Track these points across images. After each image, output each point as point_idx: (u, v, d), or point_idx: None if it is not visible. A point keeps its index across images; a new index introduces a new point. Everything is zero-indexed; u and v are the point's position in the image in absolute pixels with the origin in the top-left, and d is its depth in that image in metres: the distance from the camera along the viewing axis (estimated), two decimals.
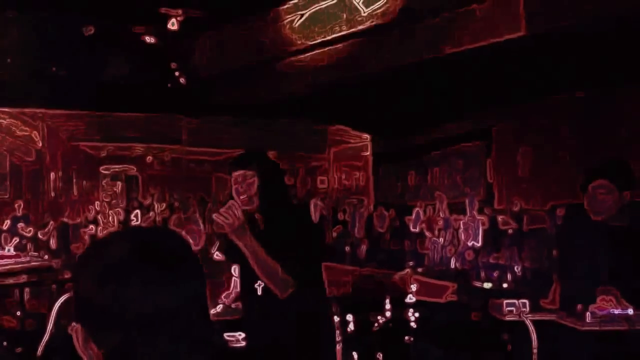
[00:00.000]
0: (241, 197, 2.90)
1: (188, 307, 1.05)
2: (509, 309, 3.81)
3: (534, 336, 3.66)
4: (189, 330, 1.05)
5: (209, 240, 9.96)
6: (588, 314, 3.25)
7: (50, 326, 3.48)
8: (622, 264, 3.26)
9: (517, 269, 7.54)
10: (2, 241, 10.07)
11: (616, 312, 3.23)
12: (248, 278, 2.98)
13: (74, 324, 1.05)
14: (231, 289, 4.41)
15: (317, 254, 3.13)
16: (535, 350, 3.67)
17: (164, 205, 12.10)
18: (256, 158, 3.05)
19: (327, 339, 3.16)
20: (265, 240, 2.83)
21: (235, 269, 3.69)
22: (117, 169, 12.39)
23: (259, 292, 2.93)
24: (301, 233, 2.93)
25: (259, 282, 2.90)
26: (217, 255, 4.09)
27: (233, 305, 4.29)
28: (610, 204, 3.28)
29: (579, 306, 3.32)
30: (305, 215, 3.24)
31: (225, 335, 3.81)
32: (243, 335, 3.64)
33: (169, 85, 10.10)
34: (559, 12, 5.90)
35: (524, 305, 3.79)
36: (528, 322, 3.68)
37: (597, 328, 3.23)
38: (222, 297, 4.41)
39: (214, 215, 2.84)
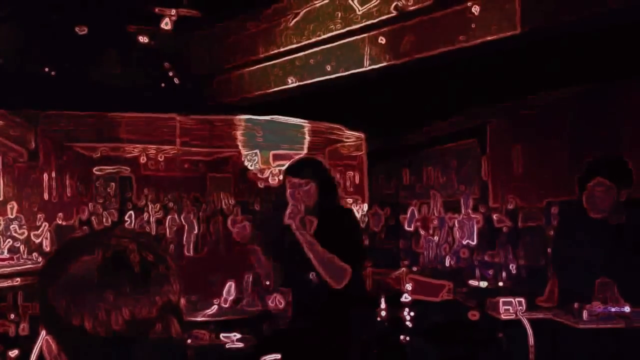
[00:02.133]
0: (299, 201, 3.24)
1: (163, 316, 1.00)
2: (505, 307, 3.81)
3: (530, 335, 3.66)
4: (165, 340, 1.00)
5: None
6: (585, 312, 3.25)
7: (44, 330, 3.45)
8: (619, 261, 3.26)
9: (513, 267, 7.54)
10: None
11: (613, 309, 3.23)
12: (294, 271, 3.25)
13: (43, 333, 1.01)
14: (225, 294, 4.40)
15: (364, 253, 3.55)
16: (531, 349, 3.66)
17: (158, 206, 12.06)
18: (314, 166, 3.41)
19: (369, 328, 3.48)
20: (321, 238, 3.16)
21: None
22: (110, 170, 12.34)
23: (311, 283, 3.22)
24: (350, 235, 3.25)
25: (312, 273, 3.15)
26: None
27: (227, 306, 4.27)
28: (609, 202, 3.29)
29: (576, 304, 3.32)
30: (354, 218, 3.53)
31: (221, 336, 3.79)
32: (239, 336, 3.63)
33: (162, 85, 10.07)
34: (555, 8, 5.89)
35: (520, 303, 3.79)
36: (525, 321, 3.68)
37: (594, 326, 3.23)
38: (217, 299, 4.39)
39: (287, 212, 3.16)
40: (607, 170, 3.34)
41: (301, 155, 4.07)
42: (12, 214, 10.38)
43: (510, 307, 3.73)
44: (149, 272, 0.99)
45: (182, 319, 1.04)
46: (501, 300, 3.81)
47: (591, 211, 3.28)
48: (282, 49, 8.56)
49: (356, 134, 13.11)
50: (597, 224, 3.29)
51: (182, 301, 1.04)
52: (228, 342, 3.67)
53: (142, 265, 0.99)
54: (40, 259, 8.07)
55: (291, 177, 3.26)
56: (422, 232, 10.14)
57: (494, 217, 9.21)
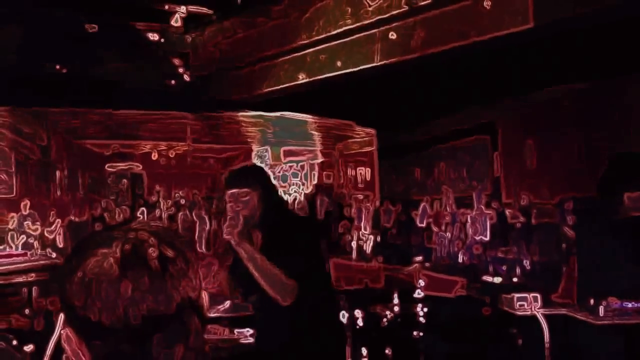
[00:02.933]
0: (239, 213, 2.92)
1: (182, 312, 0.99)
2: (520, 303, 3.80)
3: (546, 330, 3.64)
4: (185, 335, 0.99)
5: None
6: (601, 307, 3.22)
7: (59, 324, 3.47)
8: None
9: (526, 263, 7.50)
10: (9, 240, 10.08)
11: (630, 305, 3.20)
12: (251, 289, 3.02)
13: (64, 328, 1.00)
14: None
15: (319, 260, 3.11)
16: (547, 345, 3.64)
17: (170, 202, 12.10)
18: (253, 175, 3.08)
19: (336, 343, 3.17)
20: (267, 253, 2.87)
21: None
22: (122, 167, 12.39)
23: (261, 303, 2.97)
24: (297, 247, 2.93)
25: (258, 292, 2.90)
26: None
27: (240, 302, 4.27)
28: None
29: (592, 300, 3.29)
30: (304, 229, 3.20)
31: (235, 331, 3.80)
32: (251, 331, 3.63)
33: (173, 82, 10.09)
34: (567, 2, 5.85)
35: (536, 299, 3.77)
36: (540, 317, 3.66)
37: (610, 322, 3.20)
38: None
39: (224, 227, 2.91)
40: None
41: (240, 165, 3.69)
42: (25, 211, 10.45)
43: (525, 303, 3.72)
44: (167, 267, 0.98)
45: (203, 315, 1.03)
46: (516, 296, 3.80)
47: (616, 209, 3.21)
48: (292, 45, 8.55)
49: (367, 130, 13.11)
50: (619, 219, 3.23)
51: (204, 296, 1.03)
52: (242, 337, 3.68)
53: (160, 260, 0.97)
54: (53, 255, 8.12)
55: (229, 188, 3.02)
56: (434, 228, 10.11)
57: (507, 213, 9.17)
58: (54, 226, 10.47)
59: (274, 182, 3.28)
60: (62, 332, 1.01)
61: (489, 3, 6.38)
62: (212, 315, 4.02)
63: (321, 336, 2.94)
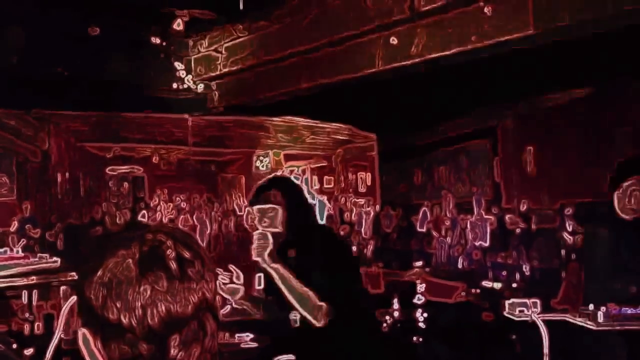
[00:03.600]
0: (266, 230, 2.80)
1: (198, 313, 1.00)
2: (519, 308, 3.79)
3: (545, 336, 3.64)
4: (201, 337, 1.00)
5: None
6: (601, 313, 3.22)
7: (59, 328, 3.47)
8: None
9: (526, 268, 7.51)
10: (10, 242, 10.08)
11: (629, 311, 3.21)
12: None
13: (81, 329, 1.01)
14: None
15: (355, 274, 2.97)
16: (546, 351, 3.64)
17: (171, 206, 12.10)
18: (277, 188, 2.92)
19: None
20: (298, 269, 2.74)
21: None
22: (123, 170, 12.39)
23: (295, 324, 2.82)
24: (334, 257, 2.82)
25: (294, 313, 2.78)
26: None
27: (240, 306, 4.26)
28: None
29: (591, 306, 3.29)
30: (333, 236, 3.13)
31: (236, 335, 3.80)
32: (251, 336, 3.63)
33: (175, 86, 10.10)
34: (568, 9, 5.87)
35: (535, 305, 3.77)
36: (540, 323, 3.66)
37: (610, 328, 3.20)
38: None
39: (252, 249, 2.77)
40: None
41: (266, 178, 3.31)
42: (26, 214, 10.45)
43: (525, 309, 3.71)
44: (185, 269, 0.99)
45: (218, 317, 1.04)
46: (516, 301, 3.79)
47: (623, 211, 3.18)
48: (294, 50, 8.57)
49: (367, 134, 13.12)
50: (629, 225, 3.20)
51: (218, 298, 1.04)
52: (242, 342, 3.68)
53: (178, 262, 0.99)
54: (54, 258, 8.11)
55: (254, 204, 2.87)
56: (434, 233, 10.11)
57: (507, 218, 9.18)
58: (54, 229, 10.48)
59: (303, 193, 3.10)
60: (79, 332, 1.02)
61: (490, 9, 6.41)
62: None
63: (358, 354, 2.81)
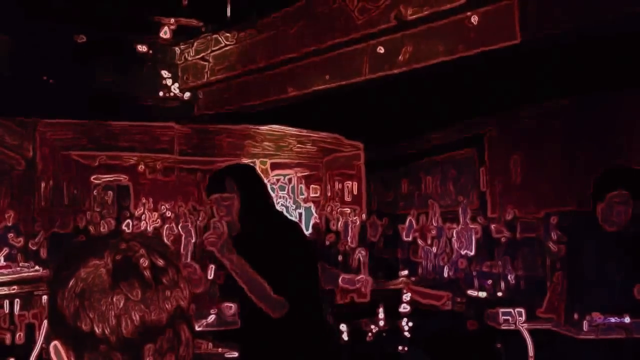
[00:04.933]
0: (223, 219, 2.71)
1: (173, 322, 0.99)
2: (504, 317, 3.79)
3: (530, 345, 3.64)
4: (176, 346, 0.99)
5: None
6: (585, 322, 3.22)
7: (41, 338, 3.43)
8: (633, 273, 3.20)
9: (511, 277, 7.53)
10: None
11: (613, 320, 3.21)
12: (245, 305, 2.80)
13: (53, 341, 0.99)
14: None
15: (311, 268, 2.89)
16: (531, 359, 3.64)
17: (156, 215, 12.03)
18: (233, 176, 2.82)
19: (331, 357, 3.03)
20: (255, 260, 2.66)
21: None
22: (108, 179, 12.31)
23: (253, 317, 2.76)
24: (291, 249, 2.75)
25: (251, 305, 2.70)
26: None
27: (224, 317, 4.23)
28: (627, 215, 3.19)
29: (576, 315, 3.29)
30: (295, 228, 2.97)
31: (219, 345, 3.76)
32: (235, 346, 3.59)
33: (161, 94, 10.07)
34: (554, 18, 5.91)
35: (520, 314, 3.77)
36: (524, 332, 3.66)
37: (594, 337, 3.20)
38: (214, 309, 4.35)
39: (204, 238, 2.69)
40: (627, 181, 3.20)
41: (222, 165, 3.15)
42: (9, 222, 10.34)
43: (510, 318, 3.71)
44: (159, 277, 0.97)
45: (192, 325, 1.02)
46: (500, 310, 3.79)
47: (607, 223, 3.16)
48: (281, 58, 8.57)
49: (354, 143, 13.14)
50: (611, 237, 3.19)
51: (192, 307, 1.03)
52: (227, 352, 3.65)
53: (152, 270, 0.97)
54: (37, 267, 8.04)
55: (210, 192, 2.77)
56: (420, 242, 10.11)
57: (493, 227, 9.20)
58: (37, 238, 10.37)
59: (261, 180, 2.97)
60: (51, 344, 1.00)
61: (476, 19, 6.44)
62: (197, 329, 3.98)
63: (312, 352, 2.77)
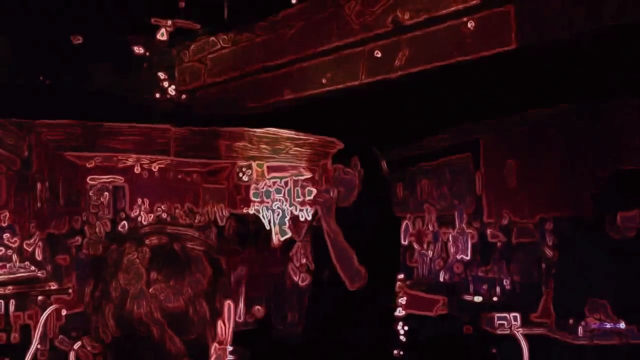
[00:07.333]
0: (337, 188, 2.87)
1: (195, 309, 1.01)
2: (500, 322, 3.81)
3: (525, 350, 3.65)
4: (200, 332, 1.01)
5: None
6: (580, 328, 3.24)
7: (36, 338, 3.43)
8: (625, 277, 3.20)
9: (506, 282, 7.54)
10: None
11: (608, 326, 3.22)
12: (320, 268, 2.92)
13: (82, 339, 1.02)
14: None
15: (397, 256, 3.05)
16: None
17: (152, 216, 12.02)
18: (357, 153, 3.02)
19: (388, 342, 3.11)
20: (350, 232, 2.78)
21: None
22: (104, 180, 12.30)
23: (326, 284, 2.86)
24: (387, 234, 2.89)
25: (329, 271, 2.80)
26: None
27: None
28: (637, 224, 3.18)
29: (571, 320, 3.30)
30: (396, 219, 3.14)
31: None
32: (230, 348, 3.59)
33: (157, 95, 10.07)
34: (550, 25, 5.94)
35: (515, 318, 3.79)
36: (519, 336, 3.67)
37: (588, 342, 3.22)
38: None
39: (314, 195, 2.87)
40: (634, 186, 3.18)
41: (351, 139, 3.43)
42: (4, 223, 10.31)
43: (505, 322, 3.73)
44: (189, 264, 1.01)
45: (217, 310, 1.07)
46: (496, 315, 3.81)
47: (613, 231, 3.15)
48: (278, 62, 8.58)
49: None
50: (608, 243, 3.18)
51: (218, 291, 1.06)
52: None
53: (185, 257, 1.01)
54: (32, 268, 8.02)
55: (336, 162, 2.99)
56: (416, 247, 10.12)
57: (488, 232, 9.22)
58: (33, 239, 10.35)
59: (383, 168, 3.17)
60: (79, 342, 1.04)
61: (473, 24, 6.47)
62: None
63: (368, 331, 2.83)
